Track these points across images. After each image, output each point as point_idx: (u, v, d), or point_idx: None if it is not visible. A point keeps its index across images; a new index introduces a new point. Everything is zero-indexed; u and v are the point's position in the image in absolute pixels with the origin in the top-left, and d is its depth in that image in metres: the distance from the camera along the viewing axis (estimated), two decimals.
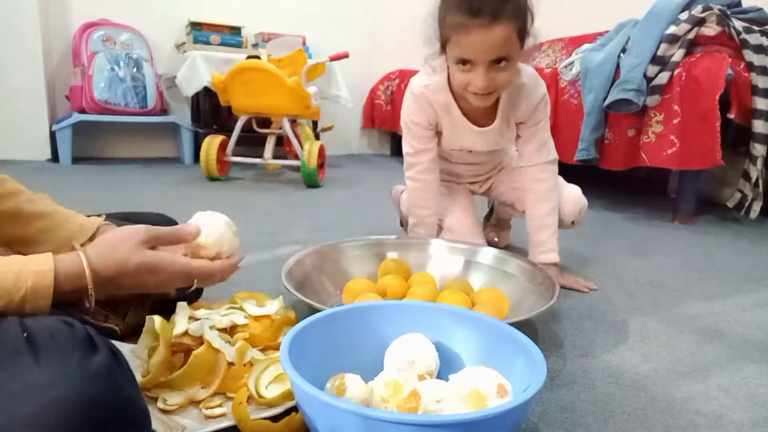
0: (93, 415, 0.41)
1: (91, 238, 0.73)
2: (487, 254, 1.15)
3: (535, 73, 1.16)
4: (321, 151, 2.44)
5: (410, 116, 1.20)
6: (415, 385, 0.58)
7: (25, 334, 0.45)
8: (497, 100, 1.14)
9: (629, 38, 2.05)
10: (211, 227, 0.68)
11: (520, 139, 1.22)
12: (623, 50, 2.04)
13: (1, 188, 0.71)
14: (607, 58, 2.04)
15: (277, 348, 0.76)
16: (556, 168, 1.23)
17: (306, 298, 0.89)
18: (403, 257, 1.15)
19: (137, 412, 0.46)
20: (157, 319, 0.69)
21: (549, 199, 1.21)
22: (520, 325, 0.67)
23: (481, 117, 1.18)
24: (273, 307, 0.84)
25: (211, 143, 2.40)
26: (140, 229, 0.63)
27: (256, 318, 0.80)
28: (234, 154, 2.48)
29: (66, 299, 0.57)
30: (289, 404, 0.65)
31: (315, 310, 0.84)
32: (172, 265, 0.63)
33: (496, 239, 1.56)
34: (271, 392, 0.66)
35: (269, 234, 1.57)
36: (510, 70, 1.01)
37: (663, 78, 1.86)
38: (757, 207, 1.87)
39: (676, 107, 1.83)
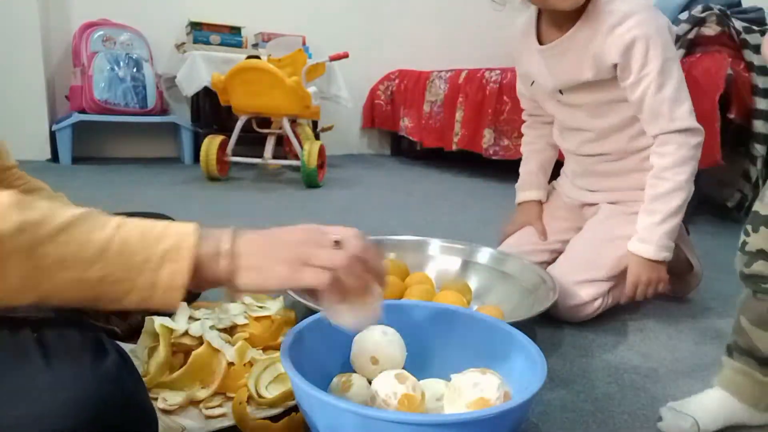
0: (102, 417, 0.41)
1: None
2: (485, 254, 1.15)
3: (646, 7, 0.96)
4: (321, 151, 2.44)
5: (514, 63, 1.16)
6: (414, 384, 0.58)
7: (35, 335, 0.45)
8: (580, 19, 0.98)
9: None
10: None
11: (633, 109, 0.99)
12: None
13: (24, 185, 0.75)
14: None
15: (277, 348, 0.76)
16: (689, 140, 0.96)
17: (302, 298, 0.89)
18: (401, 257, 1.15)
19: (146, 414, 0.46)
20: (157, 320, 0.69)
21: (664, 178, 0.96)
22: (519, 326, 0.67)
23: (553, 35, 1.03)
24: (273, 307, 0.84)
25: (211, 143, 2.40)
26: None
27: (256, 318, 0.80)
28: (234, 154, 2.47)
29: (206, 274, 0.48)
30: (289, 404, 0.65)
31: (312, 311, 0.84)
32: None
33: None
34: (271, 392, 0.66)
35: None
36: None
37: None
38: None
39: None
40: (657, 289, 1.00)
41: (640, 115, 0.98)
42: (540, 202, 1.25)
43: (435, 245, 1.19)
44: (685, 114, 0.95)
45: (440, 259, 1.17)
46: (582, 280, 1.01)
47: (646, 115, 0.97)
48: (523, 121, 1.30)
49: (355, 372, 0.63)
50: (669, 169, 0.96)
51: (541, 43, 1.05)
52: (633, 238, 1.00)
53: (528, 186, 1.26)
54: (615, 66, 0.96)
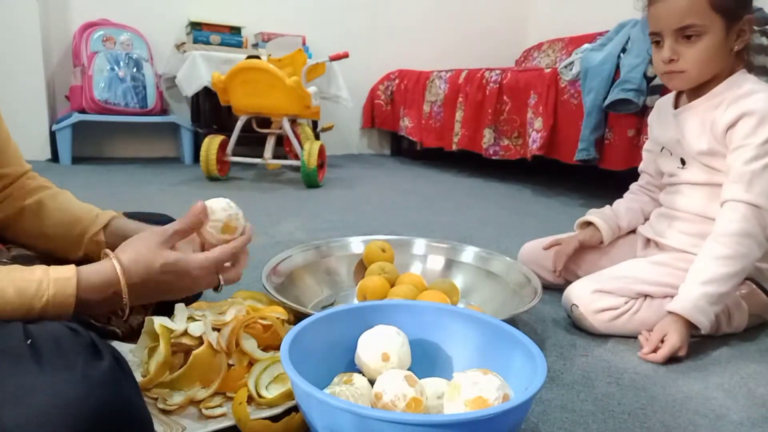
0: (96, 421, 0.41)
1: (104, 229, 0.74)
2: (470, 253, 1.15)
3: None
4: (321, 151, 2.44)
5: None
6: (423, 388, 0.58)
7: (29, 341, 0.44)
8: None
9: (629, 38, 2.05)
10: (213, 205, 0.73)
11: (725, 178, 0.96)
12: (623, 50, 2.04)
13: (33, 183, 0.75)
14: (607, 58, 2.04)
15: (277, 348, 0.76)
16: (758, 218, 0.91)
17: (287, 298, 0.89)
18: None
19: (140, 418, 0.46)
20: (157, 320, 0.69)
21: (722, 243, 0.91)
22: (513, 324, 0.68)
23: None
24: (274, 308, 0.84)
25: (211, 143, 2.40)
26: (156, 231, 0.63)
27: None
28: (234, 154, 2.47)
29: (94, 310, 0.56)
30: (289, 404, 0.65)
31: (298, 312, 0.84)
32: (193, 261, 0.63)
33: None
34: (271, 392, 0.66)
35: (269, 234, 1.57)
36: (702, 45, 0.93)
37: None
38: None
39: None
40: (672, 352, 0.89)
41: (725, 180, 0.95)
42: (595, 232, 1.17)
43: (420, 244, 1.19)
44: (764, 192, 0.91)
45: (426, 259, 1.17)
46: (598, 289, 0.99)
47: (728, 179, 0.94)
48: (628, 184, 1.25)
49: (354, 372, 0.64)
50: (730, 236, 0.91)
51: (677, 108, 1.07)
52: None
53: (595, 213, 1.19)
54: (726, 132, 0.95)
